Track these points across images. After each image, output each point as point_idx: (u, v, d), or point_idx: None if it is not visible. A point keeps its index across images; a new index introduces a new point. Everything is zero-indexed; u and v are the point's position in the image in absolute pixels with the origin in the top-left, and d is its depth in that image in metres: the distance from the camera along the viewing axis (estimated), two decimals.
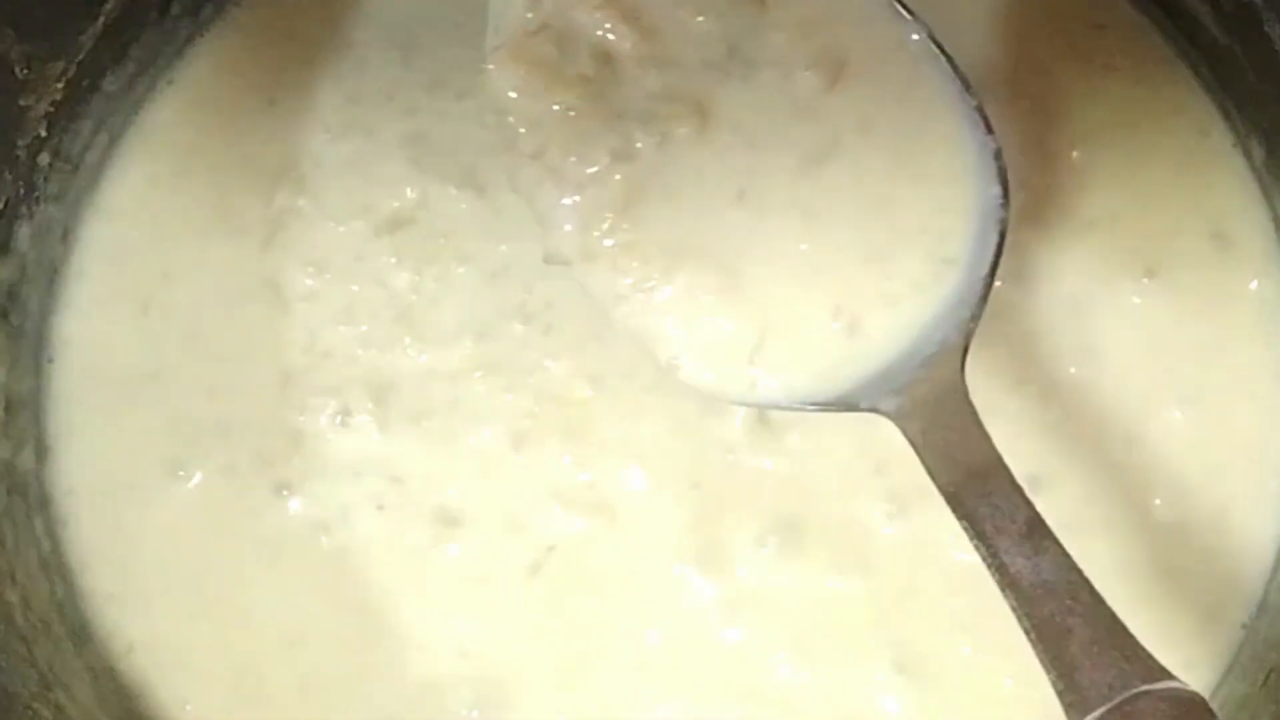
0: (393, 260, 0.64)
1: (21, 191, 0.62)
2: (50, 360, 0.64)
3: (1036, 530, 0.47)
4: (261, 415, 0.63)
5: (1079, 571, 0.46)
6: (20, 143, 0.61)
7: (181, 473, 0.62)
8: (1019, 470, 0.49)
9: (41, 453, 0.63)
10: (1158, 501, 0.61)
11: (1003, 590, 0.46)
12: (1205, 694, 0.59)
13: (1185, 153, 0.63)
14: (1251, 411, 0.62)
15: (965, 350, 0.51)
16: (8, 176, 0.61)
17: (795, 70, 0.54)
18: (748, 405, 0.57)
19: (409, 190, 0.64)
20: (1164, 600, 0.60)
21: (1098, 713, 0.43)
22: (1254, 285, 0.63)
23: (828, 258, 0.54)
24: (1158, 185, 0.63)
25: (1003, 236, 0.52)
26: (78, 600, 0.62)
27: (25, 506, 0.62)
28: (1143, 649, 0.45)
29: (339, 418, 0.62)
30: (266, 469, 0.62)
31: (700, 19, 0.55)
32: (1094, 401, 0.61)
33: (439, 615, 0.61)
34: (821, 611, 0.59)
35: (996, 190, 0.52)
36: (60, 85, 0.62)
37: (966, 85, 0.54)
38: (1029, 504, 0.48)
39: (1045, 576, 0.46)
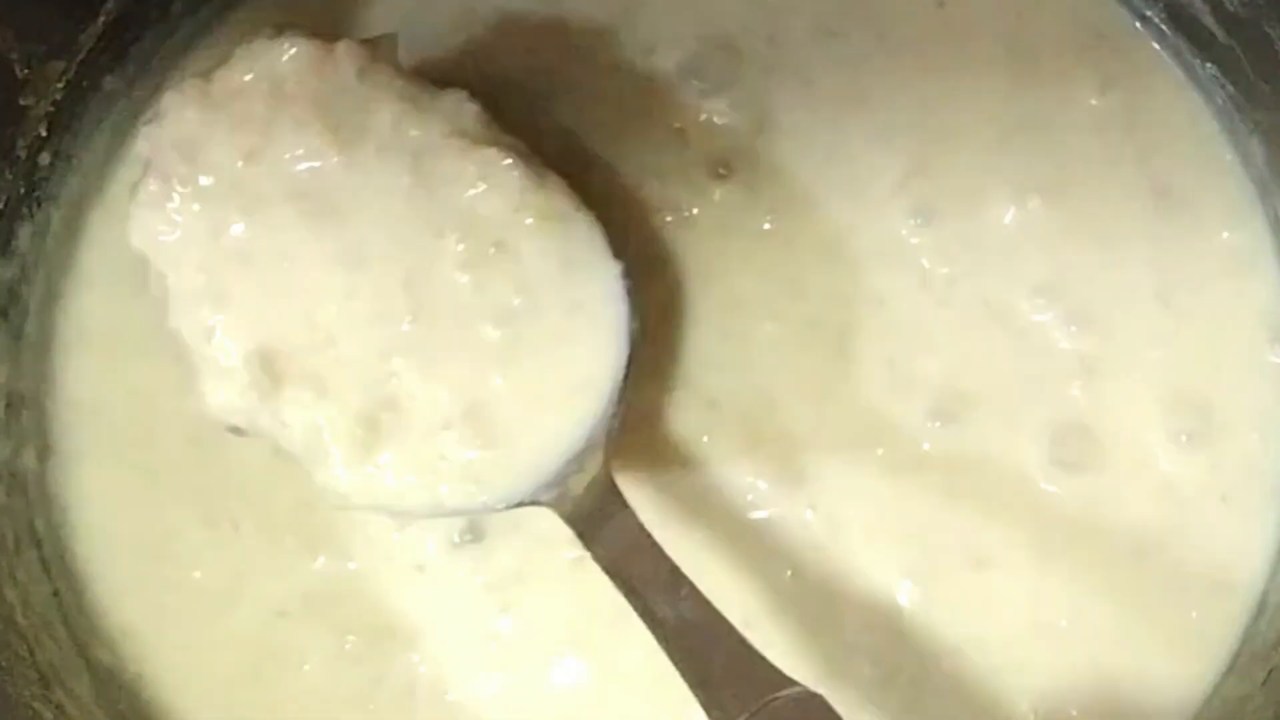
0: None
1: (22, 191, 0.62)
2: (51, 360, 0.64)
3: (676, 581, 0.54)
4: None
5: (714, 609, 0.54)
6: (21, 142, 0.61)
7: (184, 471, 0.62)
8: None
9: (42, 453, 0.63)
10: (1157, 502, 0.61)
11: (653, 633, 0.54)
12: (1205, 694, 0.60)
13: (1184, 153, 0.63)
14: (1252, 414, 0.62)
15: (610, 442, 0.57)
16: (8, 176, 0.61)
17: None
18: (435, 517, 0.59)
19: None
20: (1163, 600, 0.60)
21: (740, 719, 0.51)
22: (1253, 284, 0.63)
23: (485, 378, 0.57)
24: (1155, 185, 0.63)
25: (634, 348, 0.57)
26: (78, 600, 0.62)
27: (26, 506, 0.62)
28: (772, 666, 0.52)
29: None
30: None
31: None
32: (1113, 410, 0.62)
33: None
34: None
35: (625, 307, 0.57)
36: (61, 85, 0.62)
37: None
38: (668, 561, 0.55)
39: (686, 617, 0.53)
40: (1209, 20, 0.62)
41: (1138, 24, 0.65)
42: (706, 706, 0.52)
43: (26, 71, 0.60)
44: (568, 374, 0.57)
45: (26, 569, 0.61)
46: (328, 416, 0.55)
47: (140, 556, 0.62)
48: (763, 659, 0.53)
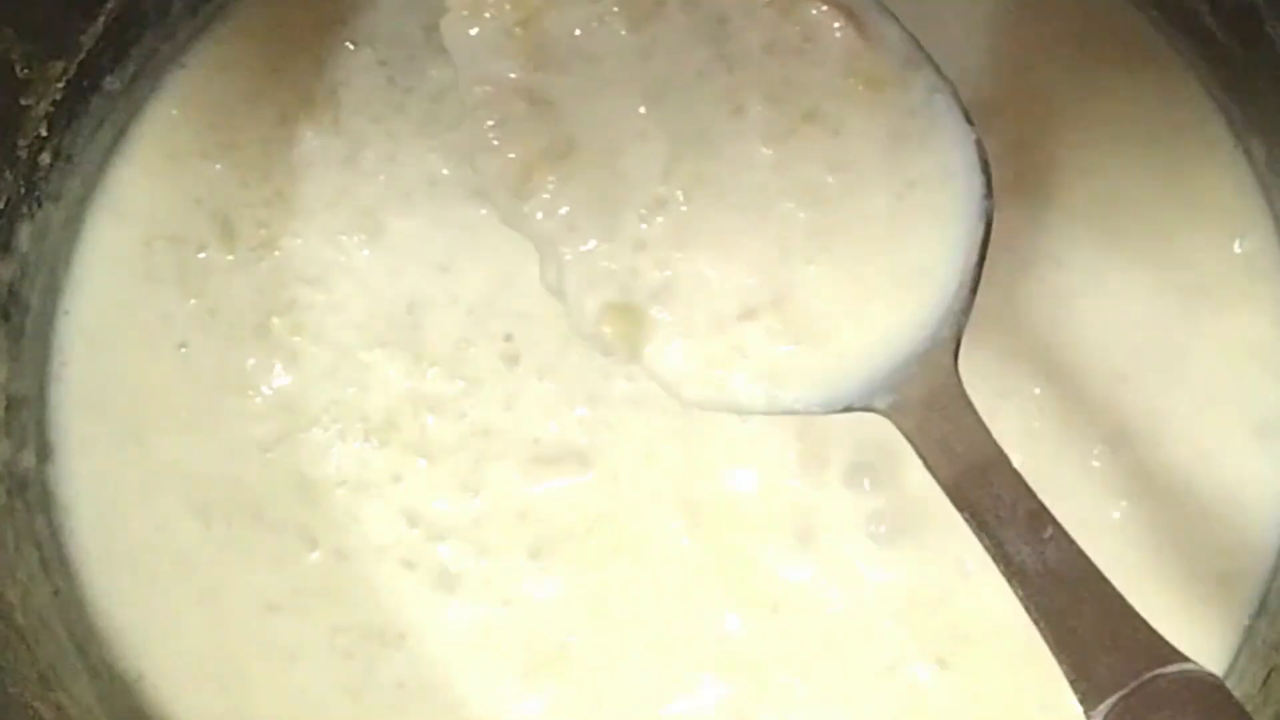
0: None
1: (22, 191, 0.62)
2: (51, 360, 0.64)
3: (1040, 519, 0.46)
4: None
5: (1085, 558, 0.46)
6: (21, 142, 0.61)
7: (183, 471, 0.62)
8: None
9: (42, 452, 0.63)
10: (1156, 501, 0.61)
11: (1009, 581, 0.46)
12: None
13: (1185, 153, 0.63)
14: (1252, 413, 0.62)
15: (957, 342, 0.50)
16: (9, 176, 0.61)
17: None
18: (744, 414, 0.56)
19: None
20: (1163, 601, 0.60)
21: (1111, 700, 0.42)
22: (1254, 285, 0.63)
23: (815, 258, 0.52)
24: (1157, 185, 0.63)
25: (989, 228, 0.51)
26: (79, 600, 0.62)
27: (26, 506, 0.62)
28: (1154, 632, 0.44)
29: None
30: None
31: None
32: (1081, 398, 0.62)
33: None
34: None
35: (980, 180, 0.52)
36: (61, 85, 0.61)
37: (938, 71, 0.52)
38: (1031, 493, 0.47)
39: (1051, 565, 0.45)
40: (1209, 20, 0.62)
41: (1136, 24, 0.65)
42: (1073, 678, 0.44)
43: (27, 71, 0.60)
44: (904, 260, 0.51)
45: (26, 569, 0.61)
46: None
47: (140, 556, 0.62)
48: (1145, 623, 0.45)
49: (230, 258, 0.64)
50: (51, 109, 0.62)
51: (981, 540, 0.47)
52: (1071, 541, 0.46)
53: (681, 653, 0.61)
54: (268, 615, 0.62)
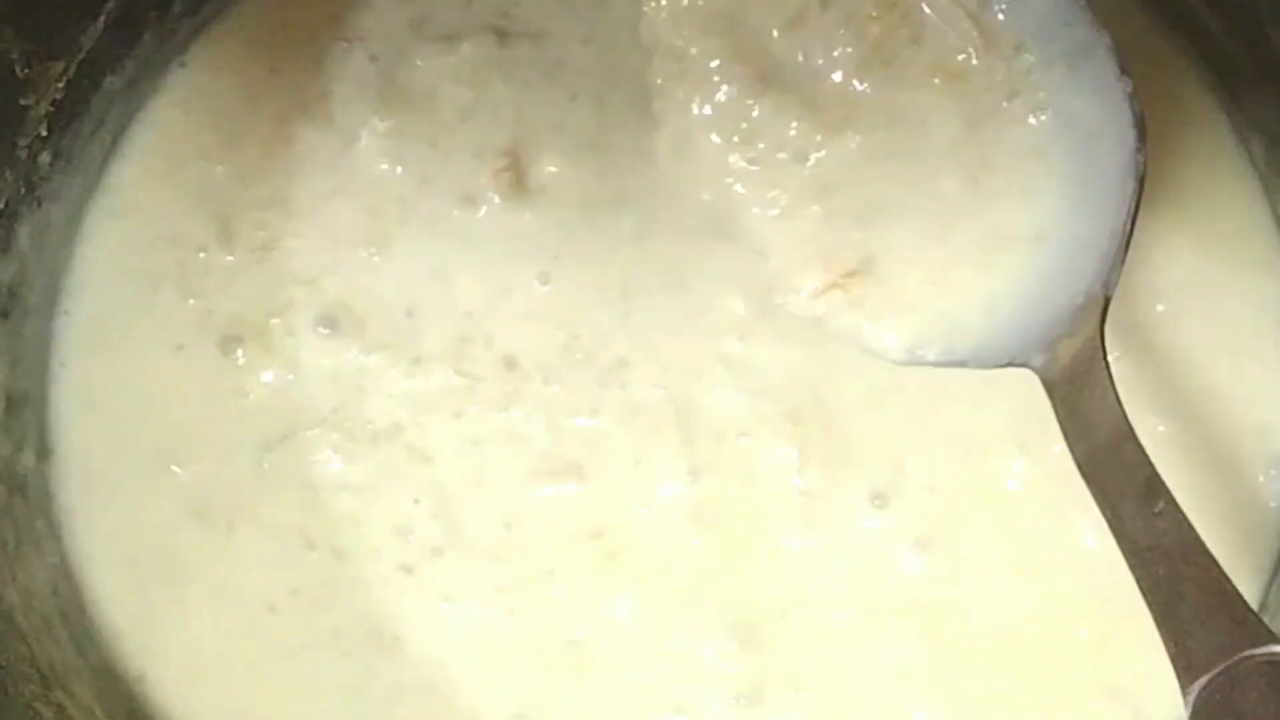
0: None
1: (22, 191, 0.62)
2: (50, 360, 0.64)
3: (1155, 489, 0.48)
4: None
5: (1193, 531, 0.46)
6: (21, 142, 0.61)
7: (182, 471, 0.62)
8: None
9: (42, 452, 0.63)
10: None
11: (1124, 554, 0.47)
12: None
13: (1186, 152, 0.63)
14: (1255, 410, 0.62)
15: (1107, 302, 0.51)
16: (9, 176, 0.61)
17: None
18: (909, 364, 0.56)
19: None
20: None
21: (1206, 678, 0.43)
22: (1255, 285, 0.63)
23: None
24: (1158, 185, 0.63)
25: (1141, 184, 0.51)
26: (79, 600, 0.62)
27: (26, 506, 0.62)
28: (1251, 611, 0.45)
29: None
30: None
31: None
32: None
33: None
34: None
35: (1132, 135, 0.51)
36: (61, 85, 0.61)
37: (1095, 25, 0.53)
38: (1150, 465, 0.48)
39: (1159, 539, 0.46)
40: (1209, 20, 0.62)
41: (1137, 24, 0.65)
42: (1172, 654, 0.45)
43: (27, 71, 0.60)
44: (1052, 216, 0.52)
45: (26, 569, 0.61)
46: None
47: (139, 556, 0.62)
48: (1243, 601, 0.45)
49: (230, 258, 0.64)
50: (51, 109, 0.62)
51: (1103, 512, 0.49)
52: (1182, 515, 0.47)
53: (683, 659, 0.61)
54: (267, 615, 0.62)
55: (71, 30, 0.61)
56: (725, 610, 0.61)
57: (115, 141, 0.65)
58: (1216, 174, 0.63)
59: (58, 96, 0.62)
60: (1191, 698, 0.44)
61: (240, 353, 0.63)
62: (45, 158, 0.62)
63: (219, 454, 0.63)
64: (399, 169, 0.64)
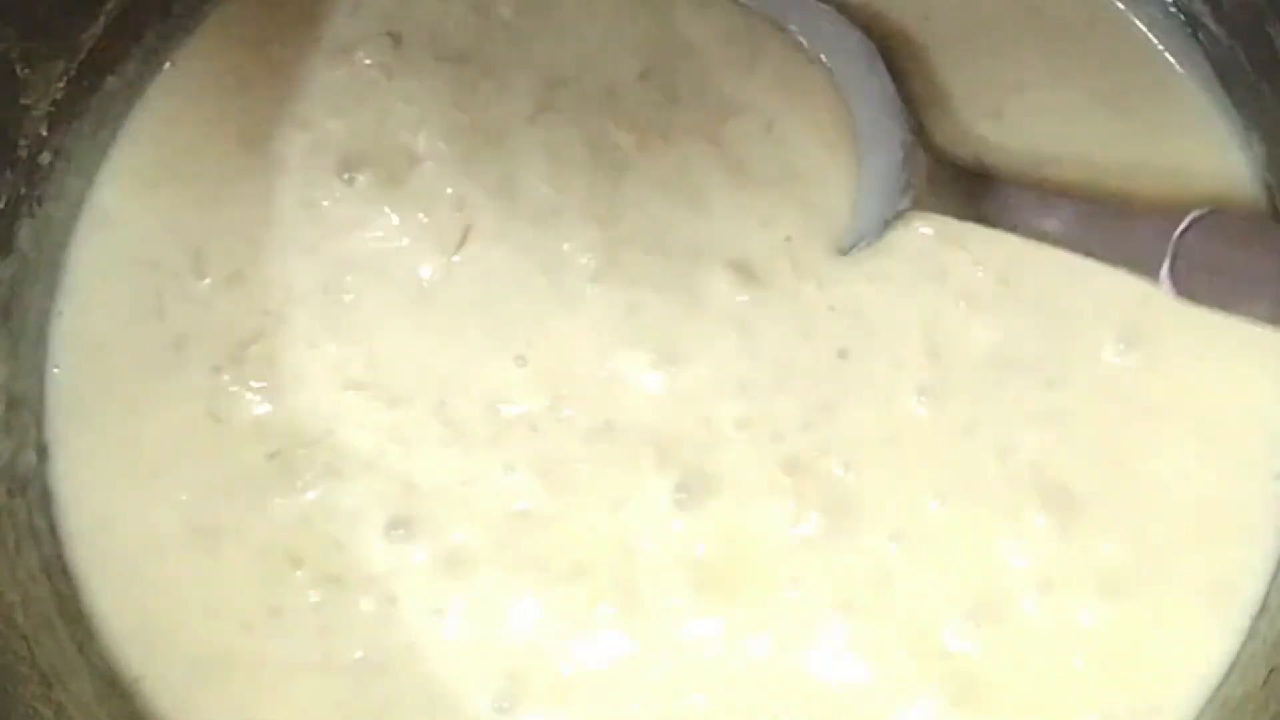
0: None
1: (23, 191, 0.62)
2: (51, 360, 0.64)
3: (1044, 198, 0.62)
4: None
5: (1083, 201, 0.61)
6: (21, 142, 0.61)
7: (176, 479, 0.62)
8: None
9: (42, 452, 0.63)
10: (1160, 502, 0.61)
11: (1054, 244, 0.61)
12: (1207, 694, 0.60)
13: (1186, 151, 0.64)
14: (1256, 410, 0.62)
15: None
16: (9, 176, 0.61)
17: None
18: None
19: None
20: (1166, 600, 0.60)
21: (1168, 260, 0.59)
22: None
23: None
24: (1160, 184, 0.63)
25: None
26: (79, 599, 0.62)
27: (26, 506, 0.62)
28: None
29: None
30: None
31: None
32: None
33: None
34: None
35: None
36: (61, 84, 0.62)
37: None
38: (1030, 189, 0.63)
39: (1066, 221, 0.61)
40: (1209, 20, 0.62)
41: (1136, 24, 0.65)
42: (1135, 268, 0.59)
43: (27, 70, 0.60)
44: None
45: (26, 569, 0.61)
46: None
47: (139, 556, 0.62)
48: (1150, 212, 0.59)
49: (206, 281, 0.64)
50: (52, 109, 0.62)
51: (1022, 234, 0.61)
52: (1069, 199, 0.61)
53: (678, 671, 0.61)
54: (266, 618, 0.61)
55: (73, 29, 0.61)
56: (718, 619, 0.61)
57: (116, 141, 0.65)
58: (1217, 173, 0.63)
59: (59, 96, 0.62)
60: (1165, 280, 0.58)
61: (227, 378, 0.63)
62: (46, 157, 0.62)
63: (216, 457, 0.62)
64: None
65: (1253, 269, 0.58)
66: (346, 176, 0.64)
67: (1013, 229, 0.61)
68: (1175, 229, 0.58)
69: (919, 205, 0.62)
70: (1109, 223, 0.60)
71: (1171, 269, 0.58)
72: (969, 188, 0.62)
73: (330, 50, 0.65)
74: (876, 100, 0.63)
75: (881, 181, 0.62)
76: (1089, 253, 0.60)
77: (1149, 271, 0.59)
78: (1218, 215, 0.58)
